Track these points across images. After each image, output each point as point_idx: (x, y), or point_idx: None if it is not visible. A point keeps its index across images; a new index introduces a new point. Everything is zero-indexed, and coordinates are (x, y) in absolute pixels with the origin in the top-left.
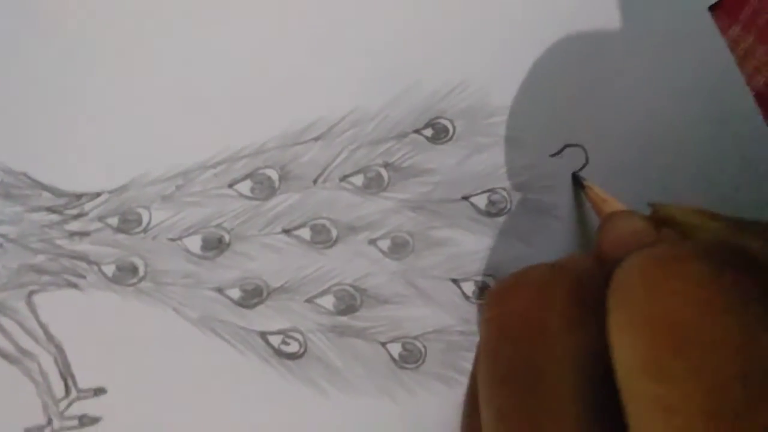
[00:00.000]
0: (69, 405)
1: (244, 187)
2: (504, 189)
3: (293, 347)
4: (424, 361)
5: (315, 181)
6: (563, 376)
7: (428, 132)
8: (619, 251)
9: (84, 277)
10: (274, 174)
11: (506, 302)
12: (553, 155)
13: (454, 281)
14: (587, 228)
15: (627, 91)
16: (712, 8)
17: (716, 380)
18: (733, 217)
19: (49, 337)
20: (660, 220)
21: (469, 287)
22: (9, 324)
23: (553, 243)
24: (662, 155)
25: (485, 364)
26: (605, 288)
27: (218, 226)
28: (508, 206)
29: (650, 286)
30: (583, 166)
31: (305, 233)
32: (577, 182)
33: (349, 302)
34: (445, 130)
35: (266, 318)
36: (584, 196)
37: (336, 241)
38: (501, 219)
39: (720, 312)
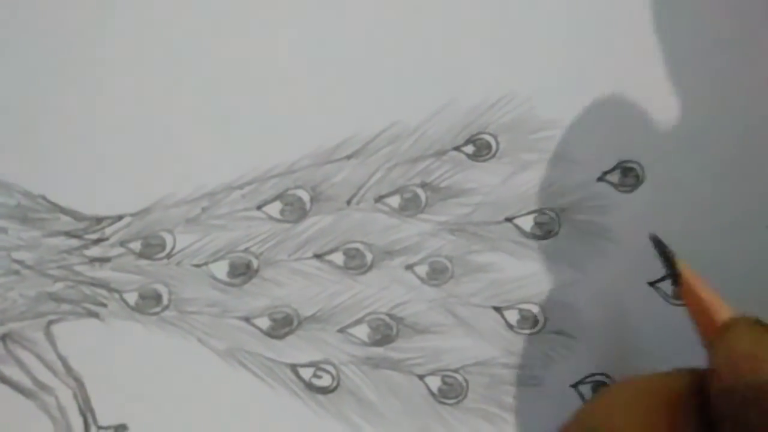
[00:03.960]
0: None
1: (274, 209)
2: (552, 210)
3: (325, 380)
4: (465, 396)
5: (348, 202)
6: None
7: (469, 149)
8: (744, 377)
9: (105, 305)
10: (305, 195)
11: None
12: (606, 172)
13: (497, 309)
14: None
15: (686, 108)
16: None
17: None
18: None
19: (68, 369)
20: None
21: (513, 316)
22: (26, 356)
23: (606, 268)
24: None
25: None
26: None
27: (246, 250)
28: (556, 228)
29: None
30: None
31: (338, 258)
32: (665, 257)
33: (385, 332)
34: (488, 146)
35: (296, 349)
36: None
37: (371, 267)
38: (548, 242)
39: None
